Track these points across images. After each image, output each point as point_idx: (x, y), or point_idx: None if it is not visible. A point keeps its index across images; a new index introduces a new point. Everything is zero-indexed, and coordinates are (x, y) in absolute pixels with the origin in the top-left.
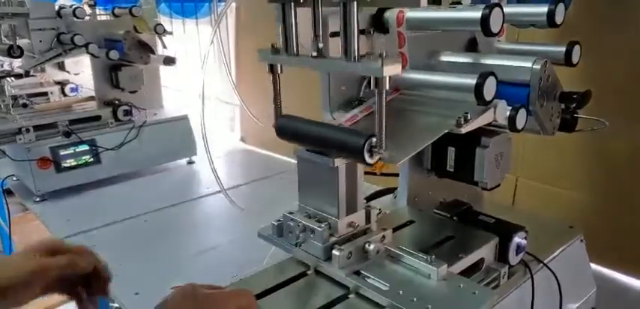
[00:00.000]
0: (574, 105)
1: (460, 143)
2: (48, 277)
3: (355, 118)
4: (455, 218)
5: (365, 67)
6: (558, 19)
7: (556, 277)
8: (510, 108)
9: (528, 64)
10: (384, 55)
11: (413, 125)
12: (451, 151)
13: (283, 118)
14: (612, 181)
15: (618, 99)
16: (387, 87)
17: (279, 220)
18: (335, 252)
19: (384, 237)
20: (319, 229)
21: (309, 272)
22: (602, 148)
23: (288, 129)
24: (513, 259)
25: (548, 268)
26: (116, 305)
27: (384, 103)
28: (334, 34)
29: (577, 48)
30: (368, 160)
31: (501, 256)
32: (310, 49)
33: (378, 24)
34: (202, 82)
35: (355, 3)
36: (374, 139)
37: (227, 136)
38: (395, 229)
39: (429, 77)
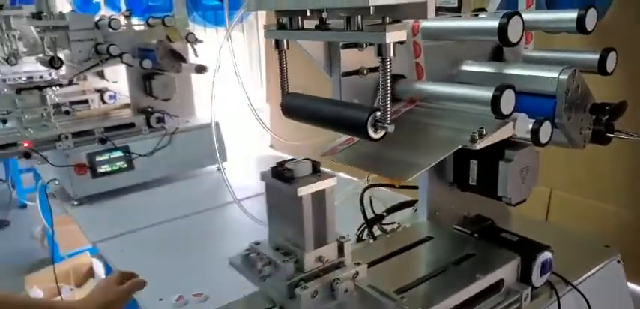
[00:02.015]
0: (606, 117)
1: (483, 156)
2: None
3: None
4: (476, 235)
5: (368, 35)
6: (589, 25)
7: (587, 301)
8: (533, 121)
9: (554, 74)
10: (388, 21)
11: (426, 140)
12: (473, 165)
13: (289, 95)
14: None
15: None
16: (392, 54)
17: (247, 250)
18: (298, 291)
19: (357, 273)
20: (282, 264)
21: None
22: None
23: (293, 107)
24: (537, 280)
25: (578, 291)
26: None
27: (388, 74)
28: (346, 46)
29: (612, 55)
30: (372, 135)
31: (524, 276)
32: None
33: None
34: (212, 85)
35: (359, 17)
36: (378, 114)
37: (257, 143)
38: (411, 247)
39: (444, 89)
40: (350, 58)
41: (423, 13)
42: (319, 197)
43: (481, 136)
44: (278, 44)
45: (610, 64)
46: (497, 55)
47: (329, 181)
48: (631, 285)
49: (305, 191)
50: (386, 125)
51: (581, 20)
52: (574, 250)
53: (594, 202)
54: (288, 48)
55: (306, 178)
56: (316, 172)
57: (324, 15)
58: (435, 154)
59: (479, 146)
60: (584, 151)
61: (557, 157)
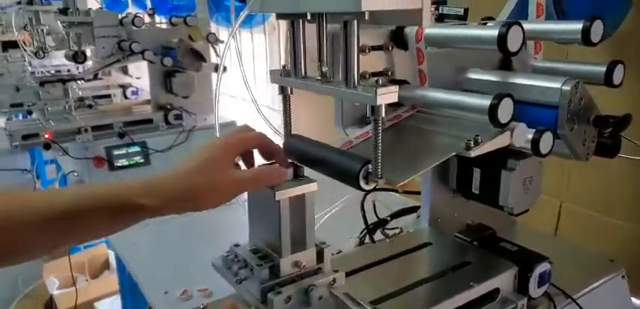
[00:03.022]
0: (609, 130)
1: (486, 164)
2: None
3: (368, 134)
4: (475, 243)
5: (360, 95)
6: (594, 37)
7: None
8: (533, 131)
9: (557, 85)
10: (380, 82)
11: (422, 146)
12: (476, 173)
13: (292, 138)
14: None
15: None
16: (384, 114)
17: (227, 252)
18: (270, 296)
19: (334, 280)
20: (257, 267)
21: None
22: None
23: (294, 149)
24: (534, 291)
25: (577, 304)
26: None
27: (380, 132)
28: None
29: (620, 68)
30: (363, 186)
31: (521, 287)
32: (315, 71)
33: (398, 40)
34: (218, 83)
35: (355, 22)
36: (370, 166)
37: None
38: (408, 252)
39: (444, 96)
40: None
41: (418, 19)
42: (298, 202)
43: (476, 143)
44: (283, 89)
45: (617, 76)
46: (505, 64)
47: (309, 186)
48: (638, 301)
49: (283, 195)
50: (376, 178)
51: (586, 32)
52: (578, 263)
53: (604, 216)
54: (291, 93)
55: (286, 182)
56: (297, 177)
57: (325, 69)
58: (428, 160)
59: (473, 154)
60: (596, 165)
61: (569, 170)
